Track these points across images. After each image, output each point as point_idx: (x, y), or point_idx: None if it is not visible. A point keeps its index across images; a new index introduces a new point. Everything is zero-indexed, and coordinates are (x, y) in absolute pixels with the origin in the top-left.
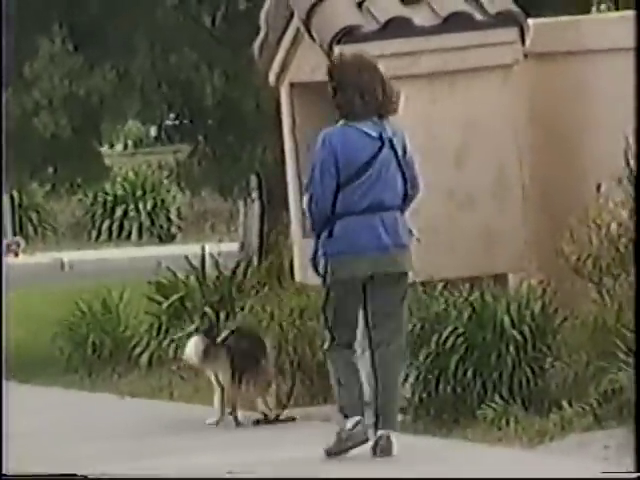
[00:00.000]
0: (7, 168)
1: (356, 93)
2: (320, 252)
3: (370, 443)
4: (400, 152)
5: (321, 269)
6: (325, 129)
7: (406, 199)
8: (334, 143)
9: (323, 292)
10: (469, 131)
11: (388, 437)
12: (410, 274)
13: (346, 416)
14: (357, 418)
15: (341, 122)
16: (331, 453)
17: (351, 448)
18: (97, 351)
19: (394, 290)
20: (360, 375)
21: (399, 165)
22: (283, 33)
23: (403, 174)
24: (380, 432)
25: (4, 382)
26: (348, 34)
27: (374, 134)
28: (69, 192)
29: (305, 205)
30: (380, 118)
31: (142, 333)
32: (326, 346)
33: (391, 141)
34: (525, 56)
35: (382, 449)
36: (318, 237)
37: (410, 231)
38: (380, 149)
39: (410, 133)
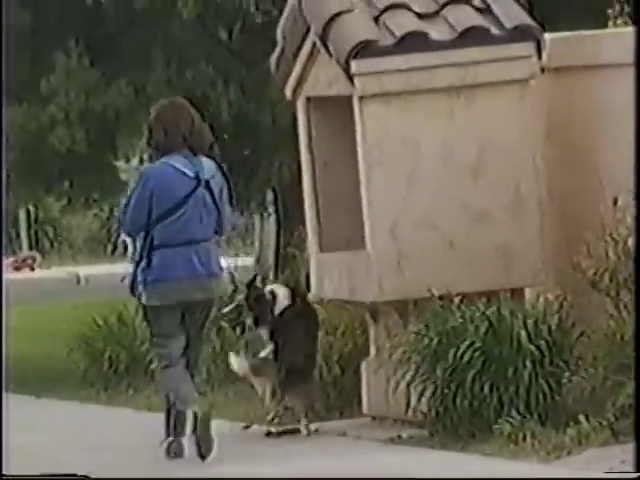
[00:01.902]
0: (23, 182)
1: (160, 129)
2: (139, 279)
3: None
4: (217, 192)
5: (138, 294)
6: (149, 165)
7: (220, 233)
8: (152, 181)
9: (144, 317)
10: (486, 146)
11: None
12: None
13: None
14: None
15: (162, 160)
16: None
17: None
18: (113, 365)
19: (206, 313)
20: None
21: (214, 203)
22: (300, 47)
23: (218, 211)
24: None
25: (4, 382)
26: (364, 48)
27: (191, 174)
28: (85, 206)
29: (120, 222)
30: (195, 155)
31: None
32: (160, 366)
33: (208, 182)
34: (542, 71)
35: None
36: (137, 265)
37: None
38: (195, 188)
39: (427, 147)
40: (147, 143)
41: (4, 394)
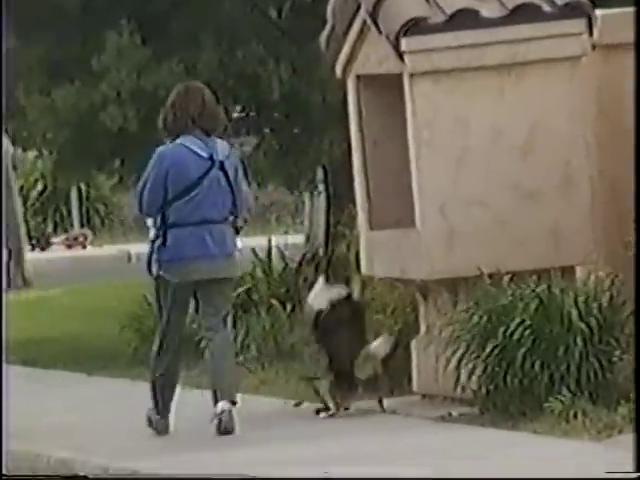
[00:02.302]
0: (75, 161)
1: (170, 111)
2: (154, 257)
3: (215, 421)
4: (232, 173)
5: (154, 272)
6: (161, 147)
7: (236, 214)
8: (165, 163)
9: (155, 293)
10: (536, 124)
11: (230, 411)
12: (234, 277)
13: (157, 413)
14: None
15: (178, 141)
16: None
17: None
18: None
19: (221, 292)
20: (176, 379)
21: (229, 185)
22: (350, 25)
23: (233, 193)
24: (220, 406)
25: (4, 382)
26: (415, 26)
27: (205, 155)
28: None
29: (135, 203)
30: (208, 137)
31: None
32: (155, 348)
33: (222, 163)
34: (593, 48)
35: (225, 425)
36: (153, 243)
37: (235, 242)
38: (210, 169)
39: (477, 125)
40: (161, 126)
41: (4, 396)
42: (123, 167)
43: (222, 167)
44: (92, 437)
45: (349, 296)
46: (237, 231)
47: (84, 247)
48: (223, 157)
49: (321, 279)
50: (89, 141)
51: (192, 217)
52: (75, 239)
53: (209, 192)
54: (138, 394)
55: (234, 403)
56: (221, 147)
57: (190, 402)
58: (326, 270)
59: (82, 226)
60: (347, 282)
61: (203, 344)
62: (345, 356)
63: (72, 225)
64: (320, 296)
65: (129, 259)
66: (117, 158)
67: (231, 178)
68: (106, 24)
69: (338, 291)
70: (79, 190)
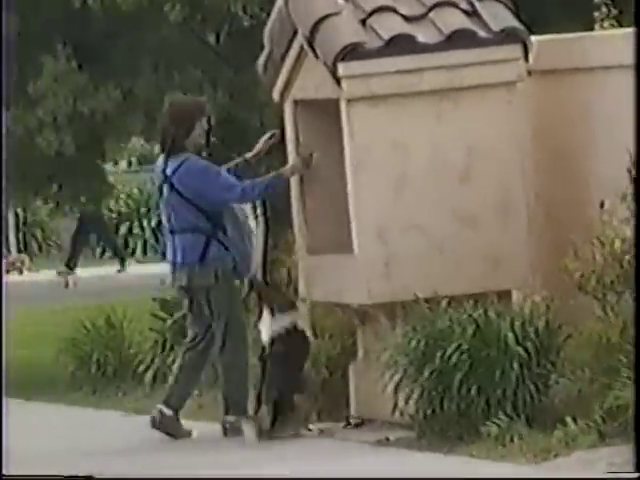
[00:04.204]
0: (12, 186)
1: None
2: None
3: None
4: (181, 188)
5: None
6: None
7: (210, 223)
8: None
9: None
10: (473, 149)
11: (232, 423)
12: (216, 286)
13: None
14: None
15: None
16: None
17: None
18: (101, 368)
19: (199, 301)
20: (196, 374)
21: (184, 198)
22: (287, 50)
23: (194, 205)
24: (227, 417)
25: (4, 381)
26: (352, 51)
27: (160, 170)
28: (73, 210)
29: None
30: (173, 154)
31: (146, 350)
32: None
33: (170, 178)
34: (529, 73)
35: (229, 431)
36: None
37: (205, 251)
38: (163, 183)
39: (415, 150)
40: None
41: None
42: (60, 192)
43: (170, 182)
44: (29, 461)
45: (295, 327)
46: (222, 243)
47: (21, 272)
48: (170, 172)
49: (266, 312)
50: (26, 166)
51: (166, 225)
52: (12, 264)
53: (165, 204)
54: (75, 419)
55: (172, 409)
56: (173, 164)
57: (128, 426)
58: (269, 301)
59: (19, 251)
60: (292, 308)
61: (141, 368)
62: (285, 388)
63: (9, 250)
64: (264, 330)
65: (66, 284)
66: (54, 183)
67: (182, 192)
68: (42, 49)
69: (281, 323)
70: (16, 215)
